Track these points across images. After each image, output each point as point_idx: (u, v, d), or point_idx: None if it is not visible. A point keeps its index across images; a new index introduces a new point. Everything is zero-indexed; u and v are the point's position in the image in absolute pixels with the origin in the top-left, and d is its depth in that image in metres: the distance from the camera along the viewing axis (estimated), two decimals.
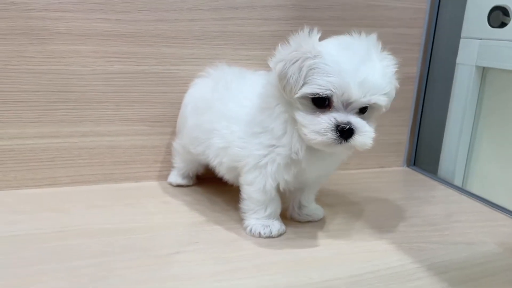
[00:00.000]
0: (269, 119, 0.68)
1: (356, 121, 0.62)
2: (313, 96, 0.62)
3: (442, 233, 0.77)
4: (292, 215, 0.79)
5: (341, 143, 0.62)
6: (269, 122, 0.68)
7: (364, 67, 0.62)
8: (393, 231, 0.76)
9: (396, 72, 0.68)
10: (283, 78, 0.64)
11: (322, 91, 0.61)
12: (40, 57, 0.81)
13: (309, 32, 0.66)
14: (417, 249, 0.70)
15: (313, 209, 0.80)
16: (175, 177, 0.91)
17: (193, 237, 0.70)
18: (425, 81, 1.11)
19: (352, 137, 0.62)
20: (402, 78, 1.04)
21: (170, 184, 0.92)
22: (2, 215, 0.74)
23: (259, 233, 0.71)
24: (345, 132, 0.62)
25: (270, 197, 0.72)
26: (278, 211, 0.74)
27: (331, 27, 0.99)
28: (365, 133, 0.63)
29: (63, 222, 0.73)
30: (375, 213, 0.84)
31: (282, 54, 0.65)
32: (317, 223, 0.78)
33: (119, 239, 0.68)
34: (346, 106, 0.63)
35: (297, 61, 0.63)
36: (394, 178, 1.10)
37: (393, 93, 0.67)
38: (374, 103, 0.63)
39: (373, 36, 0.67)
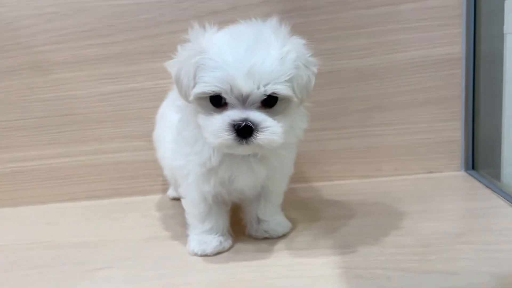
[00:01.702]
0: (182, 125, 0.63)
1: (255, 116, 0.54)
2: (203, 95, 0.56)
3: (425, 258, 0.58)
4: (249, 230, 0.70)
5: (242, 143, 0.54)
6: (182, 129, 0.63)
7: (252, 55, 0.53)
8: (359, 253, 0.61)
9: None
10: (177, 81, 0.58)
11: (208, 88, 0.54)
12: (46, 86, 0.91)
13: (205, 27, 0.60)
14: (368, 277, 0.55)
15: (274, 224, 0.69)
16: (171, 190, 0.91)
17: (133, 253, 0.68)
18: (472, 62, 0.87)
19: (253, 136, 0.53)
20: (443, 60, 0.88)
21: (168, 197, 0.92)
22: (7, 228, 0.86)
23: (193, 250, 0.65)
24: (242, 131, 0.53)
25: (205, 210, 0.65)
26: (222, 225, 0.67)
27: (332, 14, 0.87)
28: (266, 128, 0.54)
29: (43, 235, 0.79)
30: (362, 229, 0.69)
31: (178, 55, 0.60)
32: (279, 240, 0.68)
33: (67, 251, 0.71)
34: (243, 101, 0.54)
35: (186, 60, 0.57)
36: (443, 185, 0.88)
37: (303, 81, 0.56)
38: (274, 93, 0.53)
39: (272, 20, 0.58)
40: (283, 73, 0.54)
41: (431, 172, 0.93)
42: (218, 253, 0.65)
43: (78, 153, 0.94)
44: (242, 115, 0.54)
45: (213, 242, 0.65)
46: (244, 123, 0.53)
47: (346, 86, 0.90)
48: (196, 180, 0.63)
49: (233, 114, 0.54)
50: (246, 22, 0.59)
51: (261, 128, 0.54)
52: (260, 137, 0.54)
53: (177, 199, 0.88)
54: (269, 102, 0.55)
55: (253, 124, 0.54)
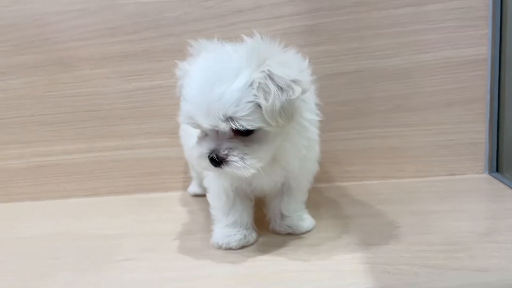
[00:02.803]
0: None
1: (222, 149, 0.54)
2: None
3: (452, 255, 0.58)
4: (273, 226, 0.70)
5: (218, 169, 0.55)
6: None
7: (211, 91, 0.52)
8: (384, 249, 0.61)
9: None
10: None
11: (183, 119, 0.56)
12: (71, 82, 0.93)
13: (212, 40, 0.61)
14: (395, 273, 0.54)
15: (297, 220, 0.69)
16: (192, 187, 0.92)
17: (157, 245, 0.69)
18: (497, 63, 0.86)
19: (221, 166, 0.55)
20: (468, 62, 0.87)
21: (189, 194, 0.92)
22: (31, 221, 0.87)
23: (217, 243, 0.65)
24: (214, 161, 0.55)
25: (227, 203, 0.65)
26: (246, 219, 0.67)
27: (356, 14, 0.87)
28: (231, 163, 0.54)
29: (67, 227, 0.81)
30: (386, 227, 0.68)
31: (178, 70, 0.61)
32: (303, 235, 0.68)
33: (91, 243, 0.72)
34: (216, 132, 0.55)
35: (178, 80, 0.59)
36: (467, 187, 0.87)
37: (276, 107, 0.52)
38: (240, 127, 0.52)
39: (252, 41, 0.56)
40: (243, 107, 0.51)
41: (453, 174, 0.92)
42: (243, 247, 0.65)
43: (102, 148, 0.95)
44: (211, 147, 0.55)
45: (237, 235, 0.65)
46: (212, 155, 0.54)
47: (369, 86, 0.90)
48: (217, 175, 0.63)
49: (206, 145, 0.55)
50: (224, 46, 0.58)
51: (228, 161, 0.54)
52: (227, 170, 0.54)
53: (199, 196, 0.89)
54: (243, 132, 0.54)
55: (218, 158, 0.54)
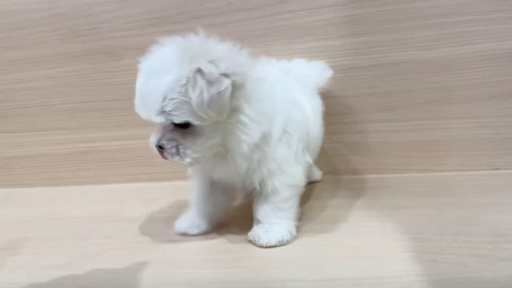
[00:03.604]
0: None
1: (165, 139, 0.58)
2: None
3: (500, 246, 0.57)
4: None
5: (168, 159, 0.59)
6: None
7: (147, 85, 0.57)
8: (430, 239, 0.61)
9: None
10: None
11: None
12: (116, 71, 0.95)
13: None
14: (442, 261, 0.54)
15: (263, 229, 0.64)
16: None
17: None
18: None
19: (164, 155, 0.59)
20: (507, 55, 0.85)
21: None
22: (76, 204, 0.90)
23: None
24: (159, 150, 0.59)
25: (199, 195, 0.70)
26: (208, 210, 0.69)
27: (399, 4, 0.86)
28: (168, 152, 0.58)
29: (111, 210, 0.84)
30: (431, 218, 0.68)
31: None
32: (345, 224, 0.69)
33: (136, 225, 0.75)
34: (162, 124, 0.58)
35: None
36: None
37: (205, 101, 0.54)
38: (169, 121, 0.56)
39: (185, 39, 0.59)
40: (170, 102, 0.54)
41: (497, 168, 0.90)
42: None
43: (144, 136, 0.95)
44: (155, 138, 0.59)
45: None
46: (156, 145, 0.59)
47: (410, 78, 0.89)
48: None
49: (154, 136, 0.60)
50: (165, 42, 0.61)
51: (167, 152, 0.58)
52: (171, 159, 0.58)
53: None
54: (182, 125, 0.56)
55: (160, 147, 0.58)
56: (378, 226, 0.67)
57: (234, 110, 0.58)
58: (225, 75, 0.55)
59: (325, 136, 0.80)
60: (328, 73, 0.84)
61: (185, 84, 0.54)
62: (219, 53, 0.57)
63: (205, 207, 0.69)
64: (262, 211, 0.65)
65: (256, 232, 0.64)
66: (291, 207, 0.66)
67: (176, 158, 0.58)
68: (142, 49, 0.92)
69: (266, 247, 0.62)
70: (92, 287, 0.57)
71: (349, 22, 0.88)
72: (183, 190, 0.90)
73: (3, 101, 1.01)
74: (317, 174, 0.91)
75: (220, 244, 0.65)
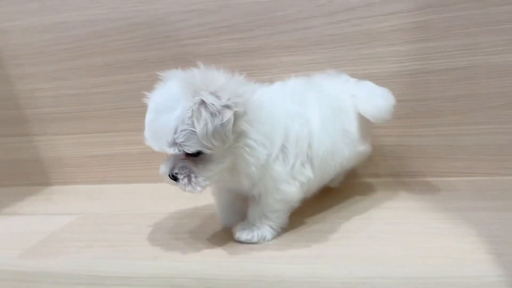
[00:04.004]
0: None
1: (177, 167, 0.62)
2: None
3: None
4: None
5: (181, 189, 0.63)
6: None
7: (156, 119, 0.61)
8: (505, 241, 0.62)
9: None
10: None
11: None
12: None
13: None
14: None
15: (243, 227, 0.70)
16: None
17: None
18: None
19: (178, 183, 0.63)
20: None
21: None
22: (150, 200, 0.96)
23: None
24: (172, 178, 0.63)
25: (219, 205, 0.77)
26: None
27: (469, 10, 0.87)
28: (183, 183, 0.62)
29: (185, 206, 0.89)
30: (507, 221, 0.69)
31: None
32: (416, 224, 0.71)
33: (212, 221, 0.79)
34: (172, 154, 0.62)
35: None
36: None
37: (210, 132, 0.58)
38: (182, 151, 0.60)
39: (187, 74, 0.64)
40: (180, 134, 0.58)
41: None
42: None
43: None
44: (167, 168, 0.63)
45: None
46: (169, 174, 0.63)
47: (479, 82, 0.89)
48: None
49: (165, 165, 0.64)
50: (167, 77, 0.67)
51: (180, 182, 0.62)
52: (182, 188, 0.62)
53: None
54: (193, 154, 0.60)
55: (172, 176, 0.62)
56: (450, 228, 0.68)
57: (241, 135, 0.62)
58: (227, 106, 0.59)
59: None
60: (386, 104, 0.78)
61: (191, 116, 0.58)
62: (220, 84, 0.61)
63: (231, 217, 0.75)
64: (251, 213, 0.70)
65: (237, 226, 0.70)
66: (278, 217, 0.70)
67: (189, 188, 0.62)
68: (212, 56, 0.99)
69: (237, 241, 0.69)
70: (184, 278, 0.62)
71: (416, 28, 0.89)
72: None
73: (83, 103, 1.09)
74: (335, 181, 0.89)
75: (298, 241, 0.69)
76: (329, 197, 0.86)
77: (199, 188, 0.62)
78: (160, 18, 1.00)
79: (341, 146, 0.74)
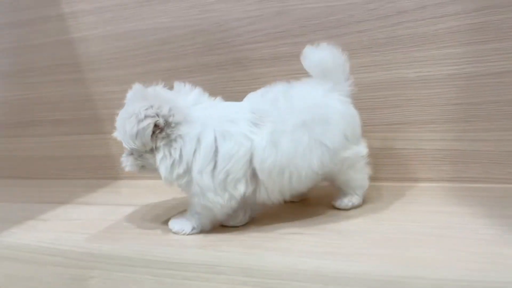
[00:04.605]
0: None
1: (125, 155, 0.80)
2: None
3: None
4: None
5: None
6: None
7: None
8: None
9: None
10: None
11: None
12: (245, 80, 1.07)
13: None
14: None
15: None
16: None
17: (319, 224, 0.78)
18: None
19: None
20: None
21: None
22: None
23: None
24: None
25: None
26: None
27: None
28: (125, 164, 0.80)
29: None
30: None
31: None
32: (464, 230, 0.70)
33: (259, 220, 0.83)
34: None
35: None
36: None
37: (134, 134, 0.72)
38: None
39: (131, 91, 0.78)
40: (122, 133, 0.75)
41: None
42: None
43: None
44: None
45: None
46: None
47: None
48: None
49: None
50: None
51: (123, 162, 0.80)
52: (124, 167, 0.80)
53: None
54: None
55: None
56: (498, 234, 0.67)
57: (156, 149, 0.74)
58: (149, 116, 0.72)
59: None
60: None
61: (126, 122, 0.73)
62: (160, 99, 0.74)
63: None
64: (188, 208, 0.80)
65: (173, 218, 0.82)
66: (199, 219, 0.78)
67: (127, 167, 0.80)
68: (267, 60, 1.03)
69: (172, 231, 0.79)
70: (228, 267, 0.66)
71: (473, 30, 0.87)
72: None
73: None
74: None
75: (340, 239, 0.71)
76: (378, 199, 0.87)
77: (127, 169, 0.79)
78: (221, 25, 1.06)
79: (306, 158, 0.74)
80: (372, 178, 0.84)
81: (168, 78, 1.14)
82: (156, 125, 0.72)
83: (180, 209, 0.91)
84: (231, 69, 1.07)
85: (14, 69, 1.35)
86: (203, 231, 0.78)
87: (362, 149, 0.81)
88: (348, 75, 0.82)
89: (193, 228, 0.78)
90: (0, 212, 1.06)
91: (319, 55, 0.81)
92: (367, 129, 0.97)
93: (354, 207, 0.83)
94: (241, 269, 0.65)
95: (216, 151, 0.72)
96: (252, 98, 0.81)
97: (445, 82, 0.90)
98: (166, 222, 0.83)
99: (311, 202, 0.90)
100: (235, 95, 1.07)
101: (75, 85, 1.26)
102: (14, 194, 1.24)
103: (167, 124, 0.73)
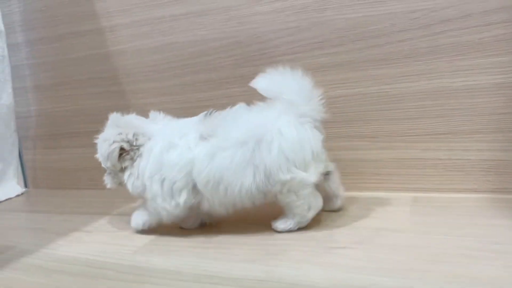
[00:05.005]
0: None
1: (107, 173, 0.92)
2: None
3: None
4: None
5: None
6: None
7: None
8: None
9: None
10: None
11: None
12: None
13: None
14: None
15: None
16: None
17: (366, 238, 0.76)
18: None
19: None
20: None
21: None
22: None
23: None
24: None
25: None
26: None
27: None
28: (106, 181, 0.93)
29: None
30: None
31: None
32: (488, 240, 0.68)
33: (313, 233, 0.82)
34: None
35: None
36: None
37: (106, 156, 0.87)
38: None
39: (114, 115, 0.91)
40: (99, 155, 0.89)
41: None
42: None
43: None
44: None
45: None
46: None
47: None
48: None
49: None
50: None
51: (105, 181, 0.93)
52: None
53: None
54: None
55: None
56: None
57: (125, 168, 0.87)
58: (116, 141, 0.85)
59: None
60: None
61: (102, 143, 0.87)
62: (128, 126, 0.86)
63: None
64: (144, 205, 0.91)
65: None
66: (149, 215, 0.88)
67: (108, 185, 0.92)
68: (305, 70, 1.03)
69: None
70: (278, 282, 0.66)
71: None
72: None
73: (188, 116, 1.19)
74: (336, 204, 0.91)
75: (389, 253, 0.70)
76: (424, 210, 0.85)
77: (108, 186, 0.92)
78: (258, 37, 1.07)
79: (238, 174, 0.78)
80: (416, 189, 0.83)
81: (206, 90, 1.16)
82: (122, 148, 0.85)
83: (226, 223, 0.91)
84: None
85: (52, 82, 1.38)
86: (150, 227, 0.90)
87: (308, 176, 0.78)
88: (313, 97, 0.81)
89: (143, 224, 0.89)
90: (43, 223, 1.08)
91: (269, 80, 0.84)
92: (410, 139, 0.96)
93: (290, 231, 0.82)
94: (290, 285, 0.65)
95: (162, 161, 0.82)
96: (212, 116, 0.86)
97: (491, 91, 0.88)
98: (209, 233, 0.83)
99: (356, 214, 0.89)
100: None
101: (112, 98, 1.29)
102: (52, 204, 1.27)
103: (132, 147, 0.85)
